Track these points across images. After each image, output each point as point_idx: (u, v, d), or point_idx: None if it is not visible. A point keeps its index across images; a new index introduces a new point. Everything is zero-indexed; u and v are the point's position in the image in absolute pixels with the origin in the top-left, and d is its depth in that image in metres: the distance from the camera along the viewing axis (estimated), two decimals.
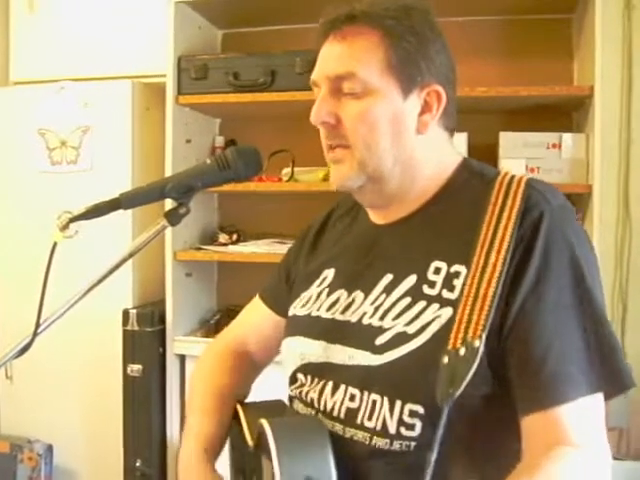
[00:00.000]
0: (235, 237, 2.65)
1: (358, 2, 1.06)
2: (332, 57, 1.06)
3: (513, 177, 1.04)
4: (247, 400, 1.28)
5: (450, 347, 0.93)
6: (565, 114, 2.49)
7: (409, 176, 1.08)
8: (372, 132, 1.04)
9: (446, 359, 0.92)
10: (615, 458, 2.31)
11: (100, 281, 1.05)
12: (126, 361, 2.47)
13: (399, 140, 1.05)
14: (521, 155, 2.26)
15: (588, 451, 0.91)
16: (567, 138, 2.26)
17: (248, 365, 1.33)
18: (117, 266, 1.05)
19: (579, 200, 2.23)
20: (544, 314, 0.93)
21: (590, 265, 0.98)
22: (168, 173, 2.36)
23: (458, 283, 0.99)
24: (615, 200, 2.47)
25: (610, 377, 0.93)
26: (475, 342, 0.91)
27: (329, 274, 1.18)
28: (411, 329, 1.00)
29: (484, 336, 0.91)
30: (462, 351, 0.91)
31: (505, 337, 0.94)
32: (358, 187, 1.08)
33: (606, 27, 2.15)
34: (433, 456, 0.87)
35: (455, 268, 1.00)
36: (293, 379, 1.15)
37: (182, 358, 2.53)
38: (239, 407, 1.22)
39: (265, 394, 1.28)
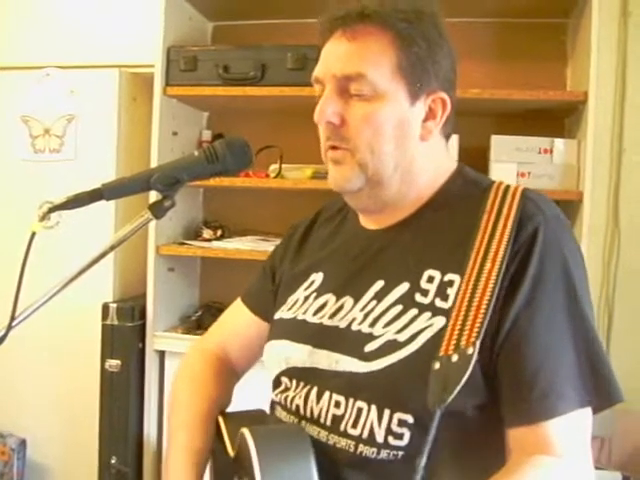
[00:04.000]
0: (219, 233, 2.62)
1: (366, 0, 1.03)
2: (340, 56, 1.03)
3: (508, 187, 1.03)
4: (228, 408, 1.25)
5: (442, 353, 0.91)
6: (557, 119, 2.48)
7: (407, 182, 1.07)
8: (377, 136, 1.02)
9: (437, 365, 0.91)
10: (596, 468, 2.31)
11: (80, 273, 1.01)
12: (104, 356, 2.43)
13: (402, 146, 1.04)
14: (512, 159, 2.24)
15: (570, 462, 0.91)
16: (559, 143, 2.25)
17: (230, 373, 1.30)
18: (98, 258, 1.02)
19: (569, 207, 2.22)
20: (537, 330, 0.93)
21: (582, 280, 0.99)
22: (153, 165, 2.31)
23: (452, 292, 0.97)
24: (604, 208, 2.46)
25: (599, 392, 0.93)
26: (468, 349, 0.90)
27: (317, 278, 1.15)
28: (402, 337, 0.98)
29: (478, 343, 0.90)
30: (455, 358, 0.90)
31: (498, 350, 0.94)
32: (357, 189, 1.06)
33: (601, 34, 2.14)
34: (422, 461, 0.87)
35: (449, 277, 0.99)
36: (277, 383, 1.12)
37: (162, 354, 2.49)
38: (220, 417, 1.20)
39: (246, 397, 1.25)
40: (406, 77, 1.02)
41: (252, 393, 1.24)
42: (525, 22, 2.49)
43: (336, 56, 1.04)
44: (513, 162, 2.24)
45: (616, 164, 2.46)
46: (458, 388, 0.88)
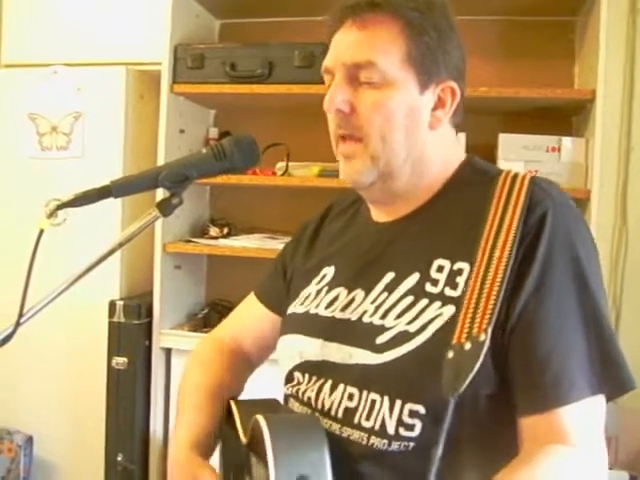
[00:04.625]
0: (226, 231, 2.62)
1: None
2: (350, 44, 1.03)
3: (517, 174, 1.03)
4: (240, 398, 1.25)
5: (455, 342, 0.91)
6: (565, 118, 2.47)
7: (418, 172, 1.07)
8: (388, 123, 1.02)
9: (451, 354, 0.91)
10: None
11: (88, 271, 1.01)
12: (111, 353, 2.43)
13: (413, 134, 1.04)
14: (520, 157, 2.23)
15: (584, 451, 0.90)
16: (567, 142, 2.24)
17: (242, 363, 1.30)
18: (106, 256, 1.02)
19: (577, 205, 2.19)
20: (547, 316, 0.93)
21: (592, 265, 0.97)
22: (160, 163, 2.31)
23: (461, 280, 0.97)
24: (612, 206, 2.45)
25: (611, 378, 0.93)
26: (480, 336, 0.89)
27: (329, 272, 1.15)
28: (412, 328, 0.98)
29: (489, 330, 0.89)
30: (467, 346, 0.90)
31: (508, 336, 0.93)
32: (369, 184, 1.06)
33: (610, 31, 2.13)
34: (438, 452, 0.86)
35: (458, 265, 0.99)
36: (290, 378, 1.12)
37: (168, 352, 2.49)
38: (232, 403, 1.19)
39: (257, 392, 1.25)
40: (416, 66, 1.02)
41: (263, 389, 1.23)
42: (533, 20, 2.48)
43: (346, 45, 1.04)
44: (521, 160, 2.23)
45: (624, 162, 2.45)
46: (471, 376, 0.87)
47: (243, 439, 1.07)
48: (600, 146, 2.13)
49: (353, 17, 1.03)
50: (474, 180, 1.07)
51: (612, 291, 2.45)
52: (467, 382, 0.87)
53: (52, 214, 0.97)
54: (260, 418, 0.95)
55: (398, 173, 1.05)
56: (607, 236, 2.44)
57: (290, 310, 1.18)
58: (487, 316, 0.90)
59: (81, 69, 2.56)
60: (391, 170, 1.04)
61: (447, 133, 1.09)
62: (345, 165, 1.07)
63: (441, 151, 1.08)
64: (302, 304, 1.15)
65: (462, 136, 2.17)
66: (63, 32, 2.68)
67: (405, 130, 1.03)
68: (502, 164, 2.23)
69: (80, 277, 1.01)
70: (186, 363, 1.31)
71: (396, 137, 1.03)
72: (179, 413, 1.19)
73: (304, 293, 1.17)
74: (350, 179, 1.07)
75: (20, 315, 0.98)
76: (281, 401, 1.18)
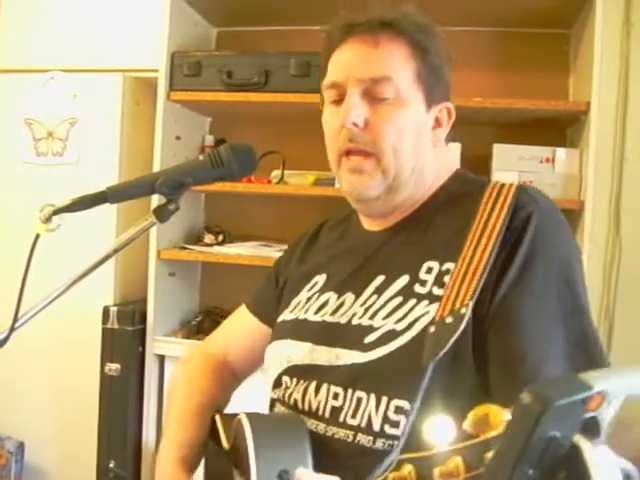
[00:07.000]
0: (220, 238, 2.62)
1: (385, 10, 1.07)
2: (365, 60, 1.06)
3: (504, 183, 1.06)
4: (226, 410, 1.25)
5: (437, 318, 0.94)
6: (559, 129, 2.48)
7: (418, 186, 1.11)
8: (400, 138, 1.05)
9: (433, 328, 0.94)
10: None
11: (83, 276, 1.02)
12: (104, 360, 2.42)
13: (420, 150, 1.08)
14: (514, 168, 2.24)
15: None
16: (561, 153, 2.25)
17: (229, 377, 1.31)
18: (101, 262, 1.03)
19: (570, 216, 2.21)
20: (527, 308, 0.94)
21: (575, 265, 1.00)
22: (156, 170, 2.31)
23: (448, 278, 0.99)
24: (606, 217, 2.46)
25: None
26: (462, 310, 0.92)
27: (320, 279, 1.17)
28: (400, 326, 1.00)
29: (471, 304, 0.92)
30: (449, 319, 0.93)
31: (487, 327, 0.95)
32: (375, 197, 1.09)
33: (604, 44, 2.14)
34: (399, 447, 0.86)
35: (447, 266, 1.01)
36: (278, 382, 1.13)
37: (162, 358, 2.48)
38: (217, 417, 1.20)
39: (246, 402, 1.25)
40: (424, 85, 1.06)
41: (252, 398, 1.24)
42: (528, 32, 2.50)
43: (360, 60, 1.06)
44: (515, 171, 2.24)
45: (618, 173, 2.46)
46: (451, 342, 0.90)
47: (226, 445, 1.08)
48: (594, 157, 2.14)
49: (362, 34, 1.06)
50: (463, 189, 1.11)
51: (605, 302, 2.45)
52: (446, 348, 0.89)
53: (48, 219, 0.97)
54: (242, 416, 0.97)
55: (403, 186, 1.09)
56: (600, 247, 2.44)
57: (280, 318, 1.19)
58: (470, 293, 0.93)
59: (78, 75, 2.56)
60: (398, 184, 1.08)
61: (442, 150, 1.14)
62: (353, 179, 1.08)
63: (436, 166, 1.13)
64: (292, 312, 1.17)
65: (457, 146, 2.18)
66: (60, 38, 2.68)
67: (413, 146, 1.07)
68: (496, 174, 2.25)
69: (75, 282, 1.01)
70: (174, 373, 1.32)
71: (407, 151, 1.06)
72: (166, 428, 1.20)
73: (294, 302, 1.18)
74: (357, 192, 1.09)
75: (15, 320, 0.98)
76: (267, 407, 1.19)
